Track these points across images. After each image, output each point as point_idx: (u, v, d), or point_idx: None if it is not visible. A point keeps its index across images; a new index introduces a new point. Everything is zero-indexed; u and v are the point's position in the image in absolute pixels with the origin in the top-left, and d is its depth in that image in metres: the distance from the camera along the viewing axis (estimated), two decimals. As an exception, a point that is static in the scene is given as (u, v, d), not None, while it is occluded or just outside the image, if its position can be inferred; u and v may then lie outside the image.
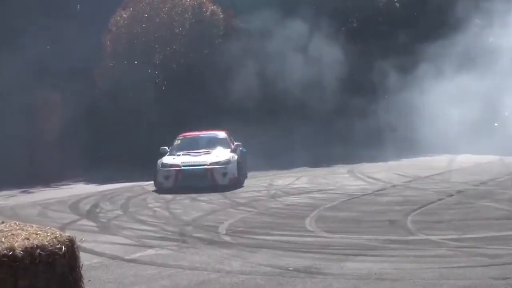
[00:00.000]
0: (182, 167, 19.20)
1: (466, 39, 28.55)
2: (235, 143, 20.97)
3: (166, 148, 20.42)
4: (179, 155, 19.93)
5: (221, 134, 21.55)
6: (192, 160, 19.58)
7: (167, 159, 19.63)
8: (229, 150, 20.37)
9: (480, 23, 30.56)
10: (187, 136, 21.63)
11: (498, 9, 29.33)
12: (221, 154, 19.98)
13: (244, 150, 21.75)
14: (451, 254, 10.01)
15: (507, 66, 27.40)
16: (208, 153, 20.11)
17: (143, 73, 26.29)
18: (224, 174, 19.20)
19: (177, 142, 21.05)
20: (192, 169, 19.19)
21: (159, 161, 19.56)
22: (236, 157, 20.00)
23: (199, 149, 20.35)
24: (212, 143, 20.98)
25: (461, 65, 27.69)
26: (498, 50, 28.01)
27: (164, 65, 26.57)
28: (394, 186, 18.63)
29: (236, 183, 19.42)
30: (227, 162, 19.50)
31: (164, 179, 19.06)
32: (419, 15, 32.85)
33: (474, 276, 8.67)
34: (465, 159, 25.13)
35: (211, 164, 19.34)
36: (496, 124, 28.47)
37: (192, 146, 20.66)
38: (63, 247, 6.22)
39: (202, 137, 21.55)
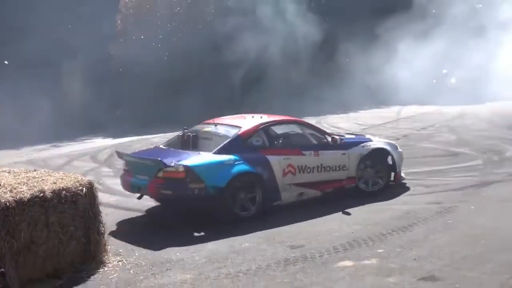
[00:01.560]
0: None
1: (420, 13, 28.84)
2: None
3: None
4: None
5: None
6: None
7: None
8: None
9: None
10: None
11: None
12: None
13: None
14: (397, 185, 10.16)
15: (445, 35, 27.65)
16: None
17: (149, 47, 26.09)
18: None
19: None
20: None
21: None
22: None
23: None
24: None
25: (416, 36, 27.93)
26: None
27: (167, 39, 26.30)
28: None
29: None
30: None
31: None
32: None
33: (414, 202, 8.90)
34: (411, 109, 25.23)
35: None
36: (434, 81, 28.63)
37: None
38: (84, 188, 6.45)
39: None
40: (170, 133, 14.43)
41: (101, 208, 6.87)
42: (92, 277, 6.32)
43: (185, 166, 8.09)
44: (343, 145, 9.53)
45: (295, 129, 9.83)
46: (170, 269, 6.50)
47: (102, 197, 7.53)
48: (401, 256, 6.47)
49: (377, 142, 10.23)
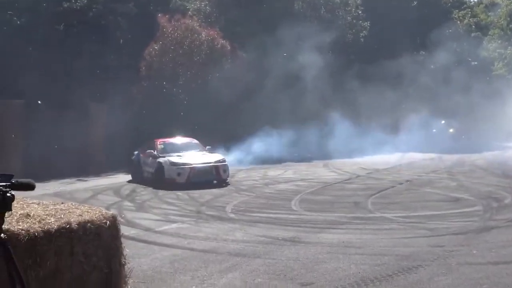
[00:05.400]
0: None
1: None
2: (207, 147, 18.51)
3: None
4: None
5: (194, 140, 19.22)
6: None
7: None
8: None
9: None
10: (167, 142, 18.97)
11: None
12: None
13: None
14: (400, 228, 9.99)
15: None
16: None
17: (170, 91, 26.22)
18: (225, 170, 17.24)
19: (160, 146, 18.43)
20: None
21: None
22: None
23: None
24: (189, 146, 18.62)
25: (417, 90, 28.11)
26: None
27: (186, 85, 26.45)
28: (358, 176, 18.56)
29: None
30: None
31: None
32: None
33: (417, 245, 8.66)
34: (412, 156, 25.09)
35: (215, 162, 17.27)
36: (434, 130, 28.54)
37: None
38: (108, 221, 6.28)
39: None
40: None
41: (122, 240, 6.75)
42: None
43: None
44: None
45: None
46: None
47: (122, 229, 7.40)
48: (408, 296, 6.27)
49: None
